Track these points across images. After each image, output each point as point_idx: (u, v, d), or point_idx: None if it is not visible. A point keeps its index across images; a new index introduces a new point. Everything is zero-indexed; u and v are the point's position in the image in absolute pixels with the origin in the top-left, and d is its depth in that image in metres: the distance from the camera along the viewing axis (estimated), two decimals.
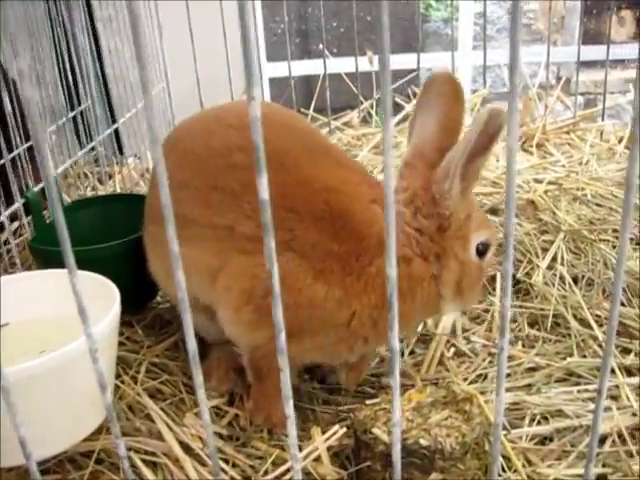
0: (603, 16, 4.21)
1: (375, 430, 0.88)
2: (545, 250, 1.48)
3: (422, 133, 1.01)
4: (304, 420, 1.08)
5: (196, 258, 1.02)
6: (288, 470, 0.91)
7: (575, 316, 1.27)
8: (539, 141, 2.09)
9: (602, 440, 0.97)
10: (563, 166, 1.91)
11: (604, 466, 0.94)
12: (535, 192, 1.70)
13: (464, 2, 3.66)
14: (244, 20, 0.48)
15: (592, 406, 1.03)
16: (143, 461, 0.96)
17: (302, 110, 2.28)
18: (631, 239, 1.49)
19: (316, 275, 0.95)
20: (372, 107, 2.36)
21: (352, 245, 0.95)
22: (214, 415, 1.09)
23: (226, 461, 0.97)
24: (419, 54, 2.28)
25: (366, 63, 2.32)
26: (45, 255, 1.24)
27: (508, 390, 1.09)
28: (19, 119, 1.51)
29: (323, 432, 0.97)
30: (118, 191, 1.97)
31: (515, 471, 0.92)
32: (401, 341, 1.24)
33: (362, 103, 2.34)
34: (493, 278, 1.39)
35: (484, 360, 1.19)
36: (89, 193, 1.93)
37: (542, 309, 1.31)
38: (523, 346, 1.23)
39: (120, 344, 1.23)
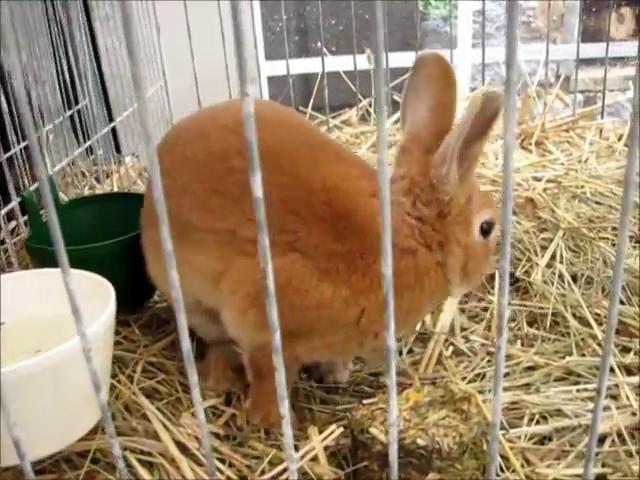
0: (602, 13, 4.20)
1: (372, 430, 0.87)
2: (544, 248, 1.47)
3: (415, 117, 0.99)
4: (301, 420, 1.07)
5: (198, 262, 1.02)
6: (285, 470, 0.90)
7: (574, 315, 1.27)
8: (538, 139, 2.09)
9: (601, 440, 0.96)
10: (562, 164, 1.90)
11: (603, 466, 0.93)
12: (534, 190, 1.69)
13: (463, 0, 3.66)
14: (236, 20, 0.47)
15: (591, 405, 1.02)
16: (139, 461, 0.96)
17: (300, 108, 2.27)
18: (630, 237, 1.48)
19: (322, 275, 0.94)
20: (370, 105, 2.36)
21: (356, 244, 0.95)
22: (211, 415, 1.08)
23: (222, 461, 0.97)
24: (417, 52, 2.28)
25: (365, 61, 2.31)
26: (41, 254, 1.24)
27: (507, 389, 1.08)
28: (16, 118, 1.51)
29: (320, 432, 0.97)
30: (115, 190, 1.97)
31: (513, 471, 0.92)
32: (399, 340, 1.23)
33: (360, 101, 2.34)
34: (492, 277, 1.39)
35: (482, 359, 1.19)
36: (87, 192, 1.92)
37: (541, 307, 1.31)
38: (522, 345, 1.22)
39: (117, 343, 1.22)
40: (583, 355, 1.17)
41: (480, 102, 0.84)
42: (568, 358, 1.15)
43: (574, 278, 1.38)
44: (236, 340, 1.06)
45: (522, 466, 0.93)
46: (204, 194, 1.01)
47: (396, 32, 3.94)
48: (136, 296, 1.34)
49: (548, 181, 1.76)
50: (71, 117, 1.96)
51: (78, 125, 1.99)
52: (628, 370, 1.12)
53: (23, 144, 1.55)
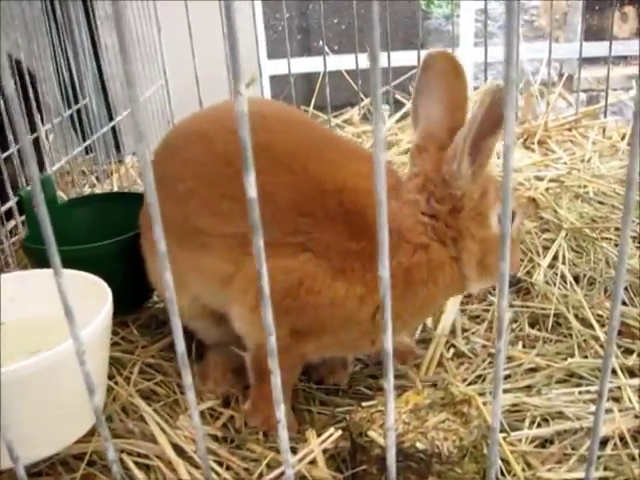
0: (606, 12, 4.17)
1: (371, 433, 0.86)
2: (546, 249, 1.46)
3: (429, 116, 0.99)
4: (300, 422, 1.06)
5: (206, 265, 1.01)
6: (283, 473, 0.89)
7: (576, 316, 1.25)
8: (541, 138, 2.08)
9: (603, 443, 0.95)
10: (565, 163, 1.89)
11: (605, 469, 0.92)
12: (536, 190, 1.68)
13: None
14: (230, 21, 0.47)
15: (593, 408, 1.01)
16: (136, 463, 0.95)
17: (302, 107, 2.26)
18: (633, 237, 1.47)
19: (335, 274, 0.94)
20: (372, 104, 2.34)
21: (370, 242, 0.94)
22: (209, 416, 1.07)
23: (220, 463, 0.96)
24: (420, 51, 2.27)
25: (366, 60, 2.30)
26: (38, 254, 1.23)
27: (508, 391, 1.07)
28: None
29: (319, 434, 0.96)
30: (116, 189, 1.96)
31: (514, 475, 0.90)
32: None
33: (362, 100, 2.33)
34: None
35: (484, 360, 1.17)
36: (87, 191, 1.92)
37: (543, 308, 1.29)
38: (524, 346, 1.21)
39: (115, 344, 1.22)
40: (585, 357, 1.16)
41: (489, 97, 0.84)
42: (570, 360, 1.13)
43: (576, 279, 1.37)
44: (243, 337, 1.04)
45: (523, 470, 0.91)
46: (213, 198, 1.00)
47: (398, 31, 3.93)
48: (135, 296, 1.34)
49: (550, 181, 1.75)
50: (71, 116, 1.95)
51: (79, 124, 1.98)
52: (631, 372, 1.10)
53: (28, 141, 1.54)
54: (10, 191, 1.41)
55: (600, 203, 1.66)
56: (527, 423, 1.01)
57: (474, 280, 1.00)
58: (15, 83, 1.52)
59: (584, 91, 3.75)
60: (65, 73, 1.89)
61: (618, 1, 4.02)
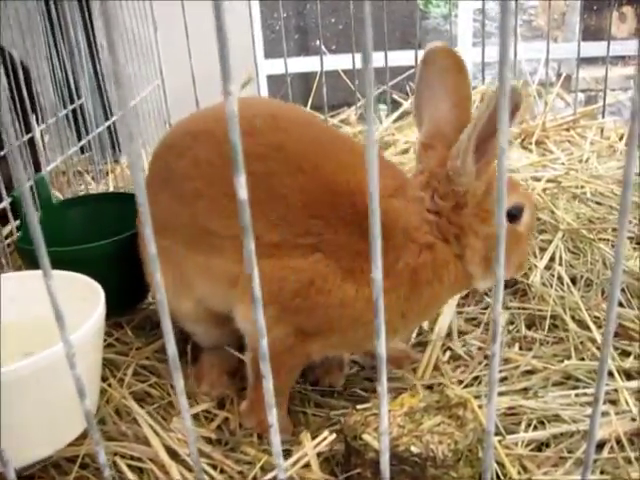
0: (604, 12, 4.17)
1: (365, 436, 0.85)
2: (543, 250, 1.45)
3: (434, 113, 0.98)
4: (295, 424, 1.06)
5: (214, 266, 1.01)
6: (276, 477, 0.88)
7: (573, 317, 1.25)
8: (539, 138, 2.07)
9: (600, 446, 0.94)
10: (563, 164, 1.88)
11: (602, 473, 0.91)
12: (533, 190, 1.67)
13: None
14: (220, 20, 0.46)
15: (590, 411, 1.00)
16: (129, 466, 0.94)
17: None
18: (630, 238, 1.46)
19: (345, 275, 0.94)
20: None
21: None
22: (203, 419, 1.06)
23: (214, 466, 0.95)
24: (417, 51, 2.26)
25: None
26: (31, 255, 1.22)
27: (504, 394, 1.06)
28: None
29: (313, 437, 0.95)
30: (111, 189, 1.95)
31: (510, 478, 0.90)
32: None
33: (359, 100, 2.32)
34: None
35: (480, 363, 1.17)
36: (83, 191, 1.91)
37: (540, 310, 1.29)
38: (520, 348, 1.20)
39: (109, 345, 1.21)
40: (582, 359, 1.15)
41: (495, 96, 0.83)
42: (567, 362, 1.13)
43: (573, 280, 1.36)
44: (245, 334, 1.03)
45: (519, 473, 0.91)
46: (223, 200, 0.98)
47: (396, 31, 3.92)
48: (129, 297, 1.33)
49: (548, 181, 1.74)
50: (67, 116, 1.94)
51: (74, 124, 1.97)
52: (628, 374, 1.09)
53: (16, 143, 1.53)
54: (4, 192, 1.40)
55: (597, 204, 1.65)
56: (523, 426, 1.00)
57: (479, 277, 1.00)
58: (7, 76, 1.52)
59: (582, 91, 3.74)
60: (61, 72, 1.87)
61: (616, 1, 4.01)
